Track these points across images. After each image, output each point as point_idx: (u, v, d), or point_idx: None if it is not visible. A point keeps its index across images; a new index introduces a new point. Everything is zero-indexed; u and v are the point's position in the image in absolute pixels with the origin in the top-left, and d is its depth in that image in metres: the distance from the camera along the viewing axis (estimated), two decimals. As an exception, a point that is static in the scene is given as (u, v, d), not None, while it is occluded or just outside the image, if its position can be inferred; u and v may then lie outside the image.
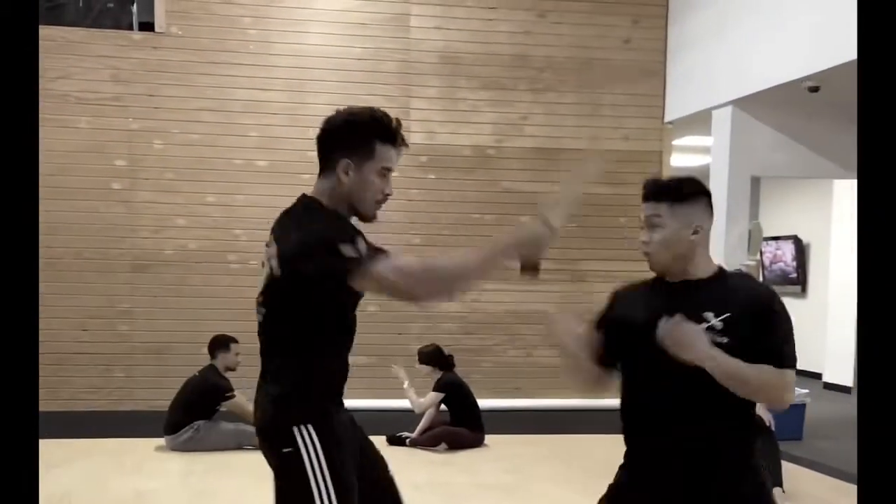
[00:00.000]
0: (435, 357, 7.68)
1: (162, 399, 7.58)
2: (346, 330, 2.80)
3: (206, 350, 7.41)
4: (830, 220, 11.75)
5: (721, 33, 8.32)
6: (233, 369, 7.37)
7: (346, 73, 8.92)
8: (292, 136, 8.77)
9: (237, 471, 6.53)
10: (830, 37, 6.76)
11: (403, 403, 7.75)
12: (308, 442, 2.61)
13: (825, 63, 6.83)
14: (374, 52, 9.00)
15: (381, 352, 8.66)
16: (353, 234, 2.57)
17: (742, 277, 2.93)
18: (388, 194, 2.76)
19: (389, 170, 2.74)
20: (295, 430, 2.61)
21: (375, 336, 8.87)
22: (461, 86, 9.13)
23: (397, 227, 8.97)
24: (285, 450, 2.60)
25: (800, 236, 12.98)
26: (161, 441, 7.22)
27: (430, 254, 9.00)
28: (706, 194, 2.84)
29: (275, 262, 2.60)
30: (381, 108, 2.76)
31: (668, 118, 9.37)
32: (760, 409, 6.07)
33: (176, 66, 8.72)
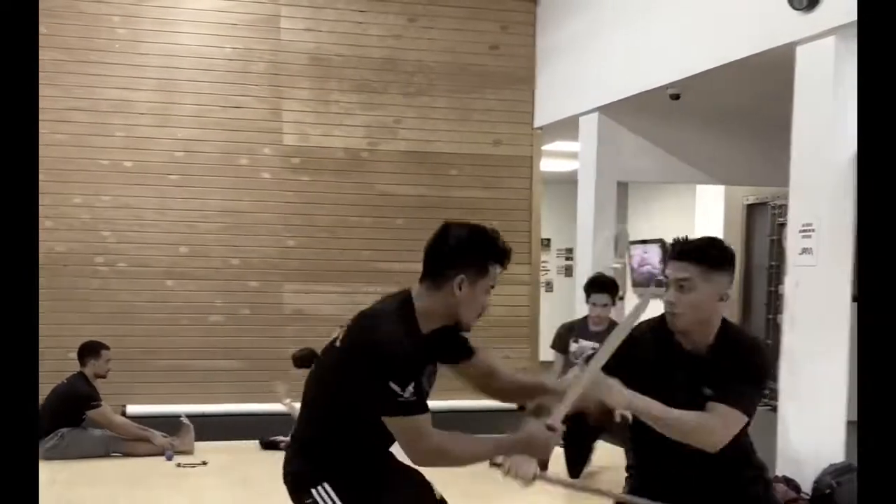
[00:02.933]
0: (310, 361, 7.62)
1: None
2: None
3: (74, 356, 7.22)
4: (694, 225, 12.14)
5: (588, 41, 8.52)
6: (103, 376, 7.21)
7: (217, 74, 8.82)
8: (161, 137, 8.63)
9: (105, 479, 6.38)
10: (692, 46, 7.00)
11: (276, 407, 7.69)
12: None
13: (686, 71, 7.06)
14: (245, 53, 8.92)
15: (254, 355, 8.61)
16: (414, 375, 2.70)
17: (736, 336, 2.96)
18: (486, 308, 2.87)
19: (493, 287, 2.85)
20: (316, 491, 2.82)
21: (248, 339, 8.80)
22: (333, 88, 9.13)
23: (272, 230, 8.93)
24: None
25: (665, 240, 13.35)
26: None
27: (306, 256, 8.97)
28: (734, 263, 2.89)
29: (343, 335, 2.81)
30: (492, 230, 2.86)
31: (537, 124, 9.54)
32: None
33: (43, 64, 8.43)
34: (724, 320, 2.90)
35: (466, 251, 2.78)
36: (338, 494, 2.78)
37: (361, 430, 2.79)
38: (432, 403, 2.76)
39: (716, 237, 2.94)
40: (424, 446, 2.71)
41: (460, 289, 2.75)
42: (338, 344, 2.78)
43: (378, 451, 2.92)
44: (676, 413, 2.76)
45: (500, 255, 2.81)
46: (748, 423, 2.84)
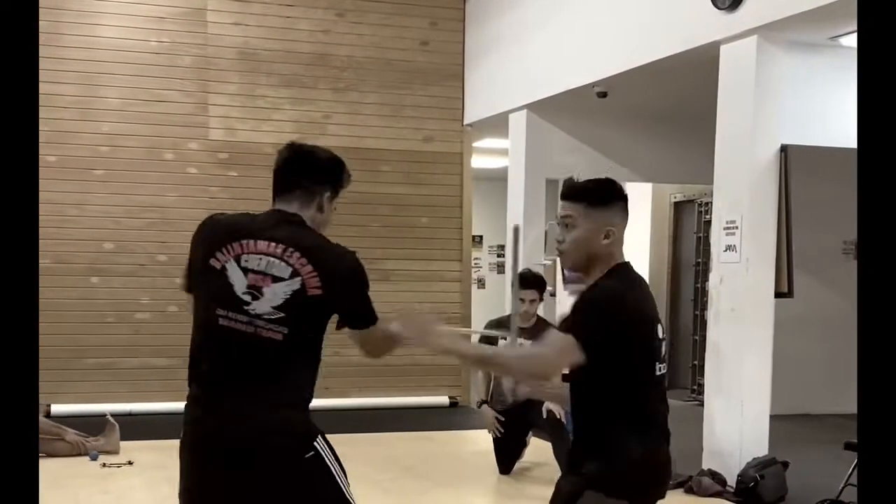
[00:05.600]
0: None
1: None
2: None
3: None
4: (622, 221, 12.29)
5: (516, 38, 8.57)
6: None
7: (142, 67, 8.67)
8: (83, 131, 8.47)
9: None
10: (617, 44, 7.08)
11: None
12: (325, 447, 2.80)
13: (612, 70, 7.14)
14: (171, 47, 8.79)
15: (182, 353, 8.46)
16: None
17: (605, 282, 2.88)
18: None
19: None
20: (315, 442, 2.77)
21: (175, 336, 8.68)
22: (261, 83, 9.05)
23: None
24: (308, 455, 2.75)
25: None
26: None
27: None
28: (622, 199, 2.87)
29: (315, 281, 2.72)
30: None
31: (467, 120, 9.57)
32: (551, 403, 6.27)
33: (-43, 55, 8.26)
34: (618, 265, 2.85)
35: (334, 170, 3.02)
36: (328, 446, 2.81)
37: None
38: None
39: (606, 178, 2.92)
40: (391, 343, 2.87)
41: (327, 205, 2.96)
42: (313, 293, 2.72)
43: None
44: (492, 351, 2.90)
45: (348, 177, 3.06)
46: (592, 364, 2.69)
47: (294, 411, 2.77)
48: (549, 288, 7.01)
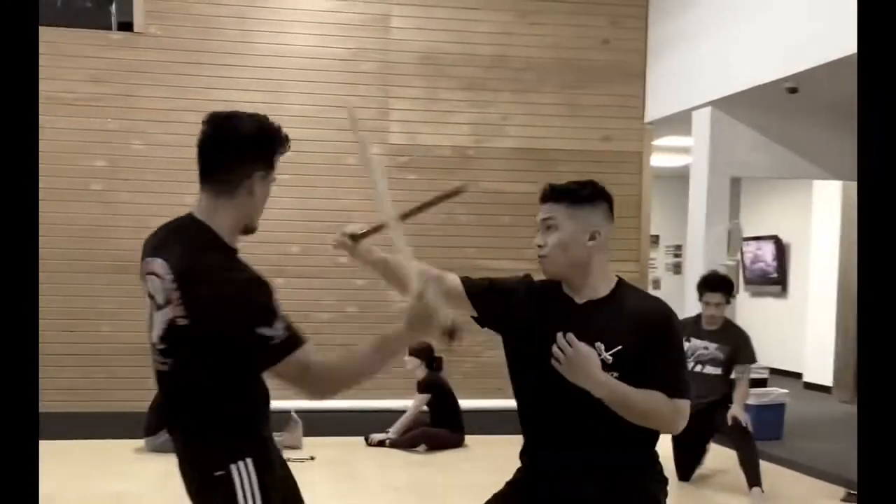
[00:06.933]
0: (425, 353, 7.64)
1: (142, 400, 7.54)
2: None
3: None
4: (810, 221, 11.81)
5: (700, 34, 8.36)
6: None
7: (327, 74, 8.90)
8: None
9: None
10: (809, 38, 6.80)
11: (380, 404, 7.75)
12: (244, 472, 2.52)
13: (804, 64, 6.87)
14: (355, 53, 8.99)
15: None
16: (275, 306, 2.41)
17: (637, 295, 2.78)
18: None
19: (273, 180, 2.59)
20: (233, 466, 2.51)
21: (355, 337, 8.86)
22: (441, 86, 9.13)
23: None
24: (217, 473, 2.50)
25: (780, 236, 13.04)
26: (141, 443, 7.19)
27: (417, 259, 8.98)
28: (607, 200, 2.75)
29: (179, 311, 2.40)
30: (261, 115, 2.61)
31: (648, 119, 9.39)
32: (737, 410, 6.10)
33: (155, 66, 8.68)
34: (620, 278, 2.77)
35: (258, 144, 2.55)
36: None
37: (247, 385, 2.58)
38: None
39: (588, 179, 2.77)
40: (319, 378, 2.52)
41: (256, 189, 2.53)
42: (180, 322, 2.41)
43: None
44: (636, 394, 2.60)
45: (284, 142, 2.59)
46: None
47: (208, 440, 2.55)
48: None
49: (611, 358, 2.60)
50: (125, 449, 7.21)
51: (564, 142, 9.26)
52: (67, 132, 8.51)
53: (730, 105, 8.13)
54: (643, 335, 2.61)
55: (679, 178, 9.78)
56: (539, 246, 2.72)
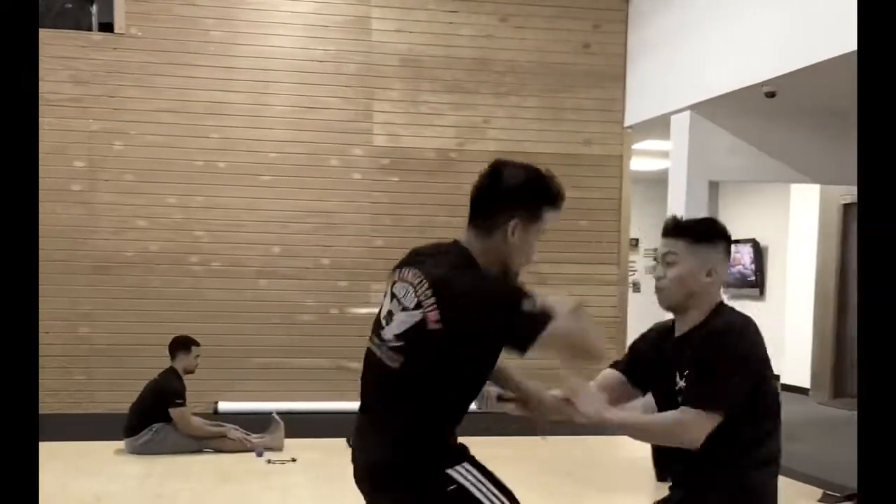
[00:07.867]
0: None
1: (122, 402, 7.54)
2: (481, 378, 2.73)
3: (166, 352, 7.37)
4: (788, 224, 11.90)
5: (680, 38, 8.40)
6: (191, 371, 7.34)
7: (308, 76, 8.92)
8: (252, 138, 8.76)
9: (197, 474, 6.50)
10: (787, 42, 6.85)
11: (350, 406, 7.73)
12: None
13: (782, 69, 6.91)
14: (336, 55, 9.00)
15: (343, 354, 8.66)
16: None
17: (722, 317, 2.80)
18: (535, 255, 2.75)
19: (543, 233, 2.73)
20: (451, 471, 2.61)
21: (337, 339, 8.87)
22: (423, 89, 9.16)
23: (360, 230, 9.00)
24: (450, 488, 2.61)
25: (758, 240, 13.12)
26: (121, 444, 7.17)
27: (394, 256, 8.99)
28: (725, 238, 2.82)
29: (433, 315, 2.53)
30: (547, 171, 2.72)
31: (627, 122, 9.44)
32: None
33: (136, 67, 8.67)
34: (721, 303, 2.82)
35: (522, 194, 2.66)
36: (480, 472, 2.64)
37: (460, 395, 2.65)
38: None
39: (709, 217, 2.90)
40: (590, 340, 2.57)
41: (513, 234, 2.64)
42: (432, 326, 2.53)
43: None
44: (644, 420, 2.76)
45: (555, 199, 2.69)
46: (728, 415, 2.66)
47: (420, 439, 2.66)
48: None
49: (683, 382, 2.72)
50: (106, 450, 7.19)
51: (546, 145, 9.30)
52: (48, 133, 8.46)
53: (708, 109, 8.18)
54: (698, 354, 2.69)
55: (659, 182, 9.84)
56: (657, 278, 2.81)
